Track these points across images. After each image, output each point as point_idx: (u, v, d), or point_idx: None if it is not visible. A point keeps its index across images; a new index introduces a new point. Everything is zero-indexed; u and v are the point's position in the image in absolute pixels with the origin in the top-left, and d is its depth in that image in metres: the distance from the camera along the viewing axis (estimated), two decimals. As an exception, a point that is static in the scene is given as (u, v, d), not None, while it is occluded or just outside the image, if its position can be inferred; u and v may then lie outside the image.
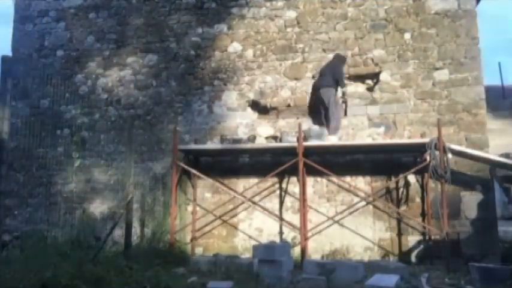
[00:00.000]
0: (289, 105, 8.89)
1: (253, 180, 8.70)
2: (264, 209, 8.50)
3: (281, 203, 8.63)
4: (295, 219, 8.20)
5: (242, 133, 8.93)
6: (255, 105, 9.09)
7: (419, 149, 7.69)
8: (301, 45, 9.01)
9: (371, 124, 8.46)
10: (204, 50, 9.44)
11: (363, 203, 8.24)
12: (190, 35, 9.55)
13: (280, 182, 8.65)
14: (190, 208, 8.90)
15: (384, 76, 8.54)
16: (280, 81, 9.00)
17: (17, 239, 8.90)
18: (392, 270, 6.41)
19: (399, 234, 8.06)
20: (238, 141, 8.53)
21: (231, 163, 8.98)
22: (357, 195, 8.26)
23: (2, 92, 4.50)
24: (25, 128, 10.04)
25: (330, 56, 8.78)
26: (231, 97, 9.19)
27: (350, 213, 8.24)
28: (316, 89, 8.55)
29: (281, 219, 8.47)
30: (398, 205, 8.16)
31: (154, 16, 9.79)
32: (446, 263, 7.08)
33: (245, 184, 8.76)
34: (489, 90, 8.98)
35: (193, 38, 9.53)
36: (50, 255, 6.15)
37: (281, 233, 8.48)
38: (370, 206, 8.25)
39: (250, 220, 8.69)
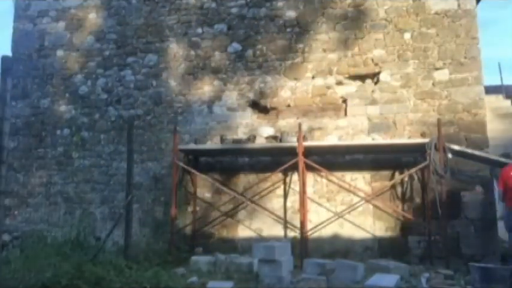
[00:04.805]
0: (289, 105, 8.89)
1: (253, 180, 8.70)
2: (264, 209, 8.50)
3: (283, 202, 8.63)
4: (296, 219, 8.20)
5: (242, 133, 8.93)
6: (255, 105, 9.09)
7: (419, 149, 7.68)
8: (301, 45, 9.01)
9: (371, 124, 8.46)
10: (204, 50, 9.44)
11: (363, 202, 8.23)
12: (190, 35, 9.55)
13: (283, 182, 8.65)
14: (190, 208, 8.90)
15: (383, 76, 8.54)
16: (280, 81, 8.99)
17: (17, 239, 8.92)
18: (392, 270, 6.41)
19: (399, 234, 8.06)
20: (238, 141, 8.53)
21: (231, 163, 8.97)
22: (357, 195, 8.26)
23: (2, 92, 4.49)
24: (25, 128, 10.07)
25: (330, 56, 8.78)
26: (231, 97, 9.19)
27: (350, 213, 8.24)
28: None
29: (285, 221, 8.47)
30: (398, 205, 8.16)
31: (154, 16, 9.79)
32: (446, 263, 7.08)
33: (245, 184, 8.75)
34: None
35: (193, 38, 9.53)
36: (50, 255, 6.15)
37: (285, 229, 8.47)
38: (370, 206, 8.25)
39: (250, 220, 8.69)
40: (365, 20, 8.78)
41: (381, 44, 8.65)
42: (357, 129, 8.48)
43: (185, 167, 8.57)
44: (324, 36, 8.93)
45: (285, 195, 8.63)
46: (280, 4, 9.23)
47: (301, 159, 7.79)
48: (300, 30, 9.05)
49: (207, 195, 8.96)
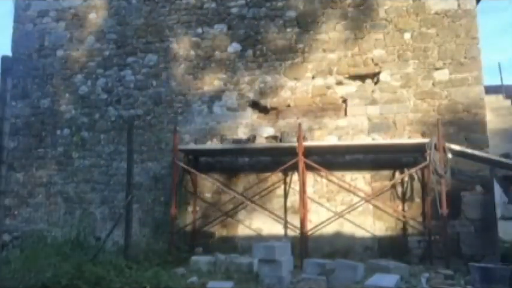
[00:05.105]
0: (289, 105, 8.89)
1: (253, 180, 8.71)
2: (264, 208, 8.51)
3: (283, 202, 8.63)
4: (296, 219, 8.20)
5: (242, 133, 8.93)
6: (255, 105, 9.09)
7: (419, 149, 7.68)
8: (301, 45, 9.01)
9: (371, 124, 8.45)
10: (204, 50, 9.44)
11: (363, 202, 8.23)
12: (190, 35, 9.55)
13: (283, 182, 8.65)
14: (190, 208, 8.90)
15: (383, 76, 8.54)
16: (280, 81, 8.99)
17: (17, 239, 8.92)
18: (392, 270, 6.41)
19: (399, 234, 8.05)
20: (238, 141, 8.53)
21: (231, 163, 8.97)
22: (357, 195, 8.26)
23: (2, 92, 4.49)
24: (25, 128, 10.07)
25: (330, 56, 8.79)
26: (231, 97, 9.19)
27: (350, 213, 8.23)
28: None
29: (285, 221, 8.47)
30: (398, 205, 8.16)
31: (154, 16, 9.79)
32: (446, 263, 7.08)
33: (245, 184, 8.75)
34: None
35: (193, 38, 9.54)
36: (50, 255, 6.15)
37: (285, 229, 8.47)
38: (370, 206, 8.24)
39: (250, 220, 8.69)
40: (365, 20, 8.78)
41: (381, 44, 8.65)
42: (357, 129, 8.47)
43: (185, 167, 8.57)
44: (324, 36, 8.93)
45: (285, 195, 8.63)
46: (280, 4, 9.22)
47: (301, 159, 7.79)
48: (300, 30, 9.05)
49: (207, 195, 8.96)
